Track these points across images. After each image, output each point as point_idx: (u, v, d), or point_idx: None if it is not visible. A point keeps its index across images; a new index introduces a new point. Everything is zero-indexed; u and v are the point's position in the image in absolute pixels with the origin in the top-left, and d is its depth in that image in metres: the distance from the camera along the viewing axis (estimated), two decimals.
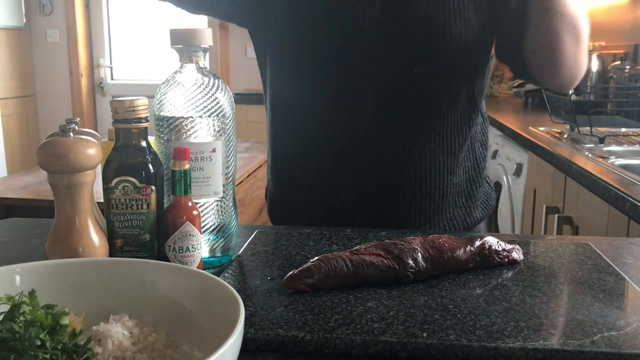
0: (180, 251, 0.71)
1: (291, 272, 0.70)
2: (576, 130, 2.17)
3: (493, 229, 2.77)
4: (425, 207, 1.04)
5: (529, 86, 3.39)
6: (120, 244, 0.72)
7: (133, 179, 0.71)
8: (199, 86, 0.75)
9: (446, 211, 1.07)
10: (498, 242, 0.78)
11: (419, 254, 0.72)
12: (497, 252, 0.77)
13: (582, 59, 1.04)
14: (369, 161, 1.03)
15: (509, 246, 0.79)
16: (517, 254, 0.79)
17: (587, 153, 1.84)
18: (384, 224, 1.01)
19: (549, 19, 0.97)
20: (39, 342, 0.48)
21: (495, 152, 2.73)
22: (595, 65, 2.88)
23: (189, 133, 0.75)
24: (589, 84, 2.88)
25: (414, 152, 1.02)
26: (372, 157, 1.03)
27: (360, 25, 0.98)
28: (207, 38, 0.76)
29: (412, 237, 0.76)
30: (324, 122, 1.04)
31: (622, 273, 0.75)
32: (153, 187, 0.71)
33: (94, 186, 0.71)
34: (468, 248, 0.76)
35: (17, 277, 0.58)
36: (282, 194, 1.14)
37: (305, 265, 0.70)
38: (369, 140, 1.02)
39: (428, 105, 1.02)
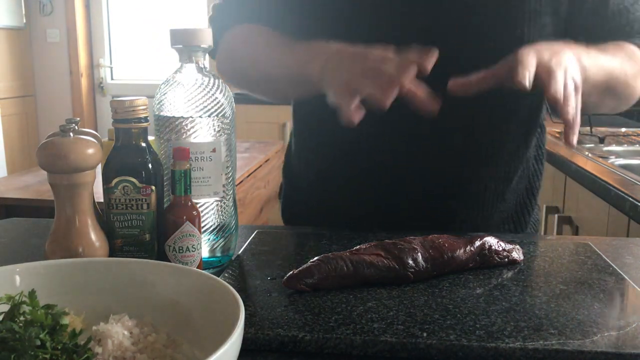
0: (180, 251, 0.71)
1: (291, 272, 0.70)
2: None
3: None
4: None
5: None
6: (120, 244, 0.72)
7: (133, 179, 0.71)
8: (199, 86, 0.75)
9: None
10: (498, 242, 0.78)
11: (419, 254, 0.72)
12: (497, 252, 0.77)
13: (629, 100, 0.96)
14: (409, 189, 0.94)
15: (509, 246, 0.79)
16: (517, 254, 0.79)
17: (587, 153, 1.84)
18: None
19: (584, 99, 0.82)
20: (39, 342, 0.48)
21: None
22: None
23: (189, 133, 0.75)
24: None
25: (463, 180, 0.93)
26: (418, 187, 0.93)
27: (426, 33, 0.85)
28: (207, 38, 0.76)
29: (412, 237, 0.76)
30: (370, 144, 0.93)
31: (622, 273, 0.75)
32: (153, 187, 0.71)
33: (94, 186, 0.71)
34: (468, 248, 0.76)
35: (17, 277, 0.58)
36: (304, 207, 1.06)
37: (305, 265, 0.70)
38: (415, 169, 0.92)
39: (486, 124, 0.91)
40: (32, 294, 0.51)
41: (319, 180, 1.02)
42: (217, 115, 0.76)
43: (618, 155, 1.88)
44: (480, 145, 0.93)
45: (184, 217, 0.71)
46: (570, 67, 0.76)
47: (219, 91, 0.76)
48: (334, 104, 0.76)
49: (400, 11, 0.89)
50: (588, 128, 2.11)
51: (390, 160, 0.94)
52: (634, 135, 2.17)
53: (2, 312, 0.51)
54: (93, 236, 0.70)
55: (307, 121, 1.03)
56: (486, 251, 0.77)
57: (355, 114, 0.73)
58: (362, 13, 0.90)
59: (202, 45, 0.76)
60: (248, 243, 0.87)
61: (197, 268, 0.70)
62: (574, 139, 0.73)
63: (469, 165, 0.93)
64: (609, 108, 0.98)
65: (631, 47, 0.95)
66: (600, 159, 1.74)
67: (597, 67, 0.85)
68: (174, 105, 0.75)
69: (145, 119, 0.72)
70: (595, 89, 0.86)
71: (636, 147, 2.00)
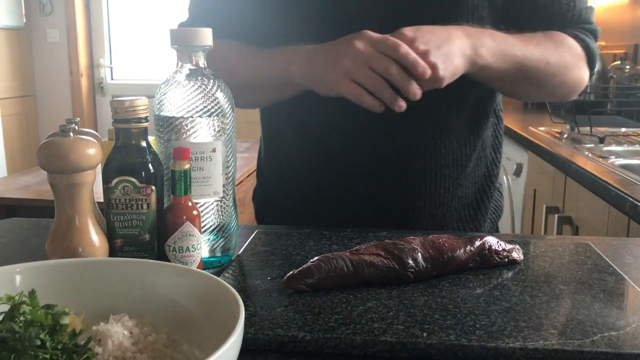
0: (180, 251, 0.71)
1: (291, 272, 0.70)
2: (576, 130, 2.17)
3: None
4: (427, 226, 0.99)
5: None
6: (120, 244, 0.72)
7: (133, 179, 0.71)
8: (199, 86, 0.75)
9: (449, 227, 1.01)
10: (498, 242, 0.78)
11: (419, 254, 0.72)
12: (497, 252, 0.77)
13: (562, 89, 1.00)
14: (366, 182, 0.98)
15: (509, 246, 0.79)
16: (517, 254, 0.79)
17: (587, 153, 1.84)
18: None
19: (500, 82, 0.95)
20: (39, 342, 0.48)
21: None
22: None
23: (189, 133, 0.75)
24: (589, 83, 2.87)
25: (417, 169, 0.96)
26: (370, 177, 0.97)
27: (365, 26, 0.88)
28: (207, 38, 0.76)
29: (412, 237, 0.76)
30: (323, 139, 0.98)
31: (622, 273, 0.75)
32: (153, 187, 0.71)
33: (94, 186, 0.71)
34: (468, 248, 0.76)
35: (17, 277, 0.58)
36: (275, 210, 1.10)
37: (305, 265, 0.70)
38: (366, 159, 0.97)
39: (431, 115, 0.95)
40: (32, 294, 0.51)
41: (287, 185, 1.06)
42: (217, 115, 0.76)
43: (618, 155, 1.88)
44: (431, 135, 0.96)
45: (184, 217, 0.71)
46: (428, 42, 0.81)
47: (219, 91, 0.76)
48: (344, 95, 0.82)
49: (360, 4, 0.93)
50: (588, 128, 2.11)
51: (349, 158, 0.98)
52: (634, 135, 2.17)
53: (2, 312, 0.51)
54: (93, 236, 0.70)
55: (275, 129, 1.07)
56: (486, 251, 0.77)
57: (373, 101, 0.81)
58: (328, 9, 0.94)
59: (202, 45, 0.76)
60: (248, 243, 0.87)
61: (197, 268, 0.70)
62: (376, 106, 0.82)
63: (423, 154, 0.96)
64: (537, 96, 1.03)
65: (561, 36, 0.97)
66: (600, 159, 1.74)
67: (504, 55, 0.89)
68: (174, 105, 0.75)
69: (145, 119, 0.72)
70: (500, 74, 0.90)
71: (636, 147, 1.99)
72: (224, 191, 0.78)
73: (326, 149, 0.99)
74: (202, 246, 0.74)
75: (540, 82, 0.96)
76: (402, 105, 0.81)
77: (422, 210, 0.98)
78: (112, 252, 0.72)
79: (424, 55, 0.80)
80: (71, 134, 0.69)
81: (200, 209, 0.75)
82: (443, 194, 0.98)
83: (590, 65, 1.01)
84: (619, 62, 2.74)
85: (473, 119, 1.00)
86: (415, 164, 0.96)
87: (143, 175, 0.71)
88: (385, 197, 0.99)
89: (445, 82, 0.83)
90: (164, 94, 0.76)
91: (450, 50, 0.82)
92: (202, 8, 1.03)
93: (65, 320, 0.51)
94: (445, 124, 0.97)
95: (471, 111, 0.99)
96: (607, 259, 0.81)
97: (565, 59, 0.96)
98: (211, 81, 0.76)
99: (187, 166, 0.71)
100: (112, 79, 5.12)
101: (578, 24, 1.00)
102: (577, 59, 0.98)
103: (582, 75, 1.01)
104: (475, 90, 0.98)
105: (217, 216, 0.78)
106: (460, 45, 0.84)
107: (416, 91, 0.80)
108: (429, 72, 0.79)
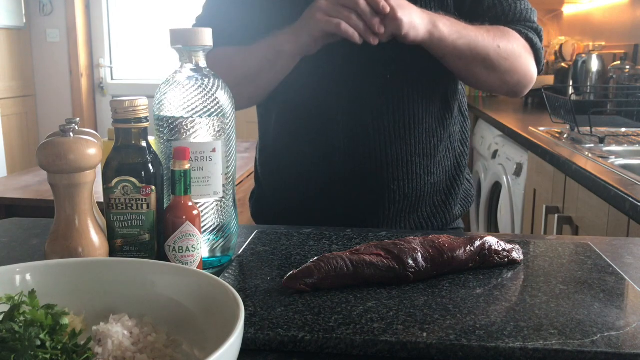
0: (180, 251, 0.71)
1: (291, 272, 0.70)
2: (576, 130, 2.17)
3: (493, 229, 2.77)
4: (403, 207, 1.08)
5: None
6: (120, 244, 0.72)
7: (133, 179, 0.71)
8: (199, 86, 0.75)
9: (424, 209, 1.11)
10: (498, 242, 0.78)
11: (419, 254, 0.72)
12: (497, 252, 0.77)
13: (513, 75, 1.07)
14: (346, 167, 1.06)
15: (509, 246, 0.79)
16: (517, 254, 0.79)
17: (587, 153, 1.84)
18: (362, 225, 1.05)
19: (451, 60, 1.03)
20: (39, 342, 0.48)
21: (495, 152, 2.73)
22: (595, 65, 2.88)
23: (189, 133, 0.75)
24: (589, 83, 2.88)
25: (390, 156, 1.06)
26: (349, 163, 1.06)
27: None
28: (207, 38, 0.76)
29: (412, 237, 0.76)
30: (302, 129, 1.08)
31: (622, 273, 0.75)
32: (153, 187, 0.71)
33: (94, 186, 0.71)
34: (468, 248, 0.76)
35: (17, 277, 0.58)
36: (265, 196, 1.18)
37: (305, 265, 0.70)
38: (345, 146, 1.05)
39: (402, 109, 1.05)
40: (32, 294, 0.52)
41: (280, 189, 1.15)
42: (217, 115, 0.76)
43: (618, 155, 1.87)
44: (402, 126, 1.06)
45: (184, 217, 0.71)
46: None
47: (219, 91, 0.76)
48: (327, 30, 0.93)
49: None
50: (588, 128, 2.11)
51: (317, 142, 1.07)
52: (634, 135, 2.17)
53: (2, 312, 0.51)
54: (93, 236, 0.70)
55: (270, 138, 1.16)
56: (486, 251, 0.77)
57: (351, 30, 0.91)
58: None
59: (202, 45, 0.76)
60: (248, 243, 0.87)
61: (197, 268, 0.70)
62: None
63: (395, 143, 1.06)
64: (490, 81, 1.09)
65: (506, 29, 1.07)
66: (600, 159, 1.74)
67: (458, 32, 0.99)
68: (174, 105, 0.75)
69: (145, 119, 0.72)
70: (456, 51, 1.00)
71: (636, 147, 1.99)
72: (224, 191, 0.78)
73: (312, 146, 1.08)
74: (202, 246, 0.74)
75: (492, 65, 1.04)
76: (375, 38, 0.93)
77: (397, 193, 1.08)
78: (112, 252, 0.72)
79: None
80: (71, 134, 0.69)
81: (200, 209, 0.75)
82: (415, 180, 1.09)
83: (537, 59, 1.10)
84: (619, 62, 2.74)
85: (439, 114, 1.10)
86: (389, 151, 1.06)
87: (143, 175, 0.71)
88: (363, 181, 1.07)
89: (404, 29, 0.92)
90: (164, 94, 0.76)
91: (411, 10, 0.94)
92: (209, 25, 1.07)
93: (65, 320, 0.51)
94: (414, 117, 1.06)
95: (437, 106, 1.09)
96: (607, 259, 0.81)
97: (513, 45, 1.05)
98: (211, 81, 0.76)
99: (187, 166, 0.71)
100: (112, 79, 5.12)
101: (520, 22, 1.09)
102: (523, 48, 1.07)
103: (530, 65, 1.09)
104: (441, 86, 1.09)
105: (217, 216, 0.78)
106: (419, 13, 0.95)
107: (380, 27, 0.91)
108: (388, 8, 0.90)
